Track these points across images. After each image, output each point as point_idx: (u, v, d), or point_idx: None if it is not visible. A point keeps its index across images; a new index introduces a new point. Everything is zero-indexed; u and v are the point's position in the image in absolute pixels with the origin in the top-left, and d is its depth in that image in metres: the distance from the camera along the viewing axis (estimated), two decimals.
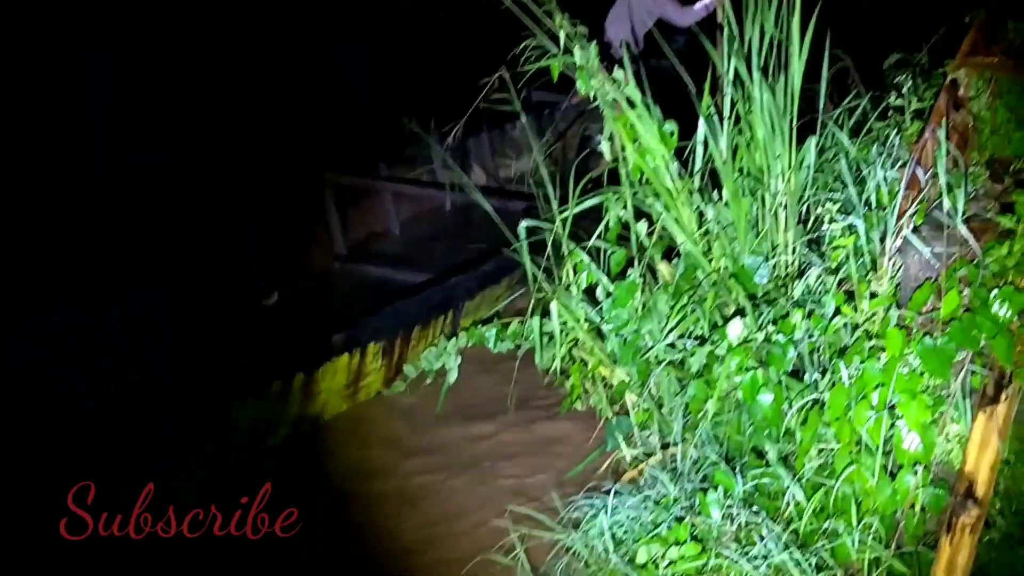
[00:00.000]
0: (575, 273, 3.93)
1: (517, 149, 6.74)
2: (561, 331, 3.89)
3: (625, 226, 3.87)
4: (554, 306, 3.83)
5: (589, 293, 3.92)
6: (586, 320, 3.91)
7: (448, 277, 4.89)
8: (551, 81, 3.94)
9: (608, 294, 3.80)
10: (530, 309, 3.96)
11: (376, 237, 6.11)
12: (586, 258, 3.85)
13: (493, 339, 4.09)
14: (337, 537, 3.72)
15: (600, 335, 3.93)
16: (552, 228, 3.88)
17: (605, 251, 3.88)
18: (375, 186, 6.13)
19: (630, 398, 3.86)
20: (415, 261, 5.61)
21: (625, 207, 3.83)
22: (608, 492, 3.46)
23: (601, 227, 3.90)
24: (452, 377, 4.11)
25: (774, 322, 3.34)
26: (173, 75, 6.61)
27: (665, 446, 3.67)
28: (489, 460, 4.16)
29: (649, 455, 3.69)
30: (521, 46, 3.90)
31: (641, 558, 3.17)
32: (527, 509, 3.60)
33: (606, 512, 3.37)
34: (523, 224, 3.94)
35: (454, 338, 4.17)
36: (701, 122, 3.65)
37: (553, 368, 3.99)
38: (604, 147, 3.82)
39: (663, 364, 3.57)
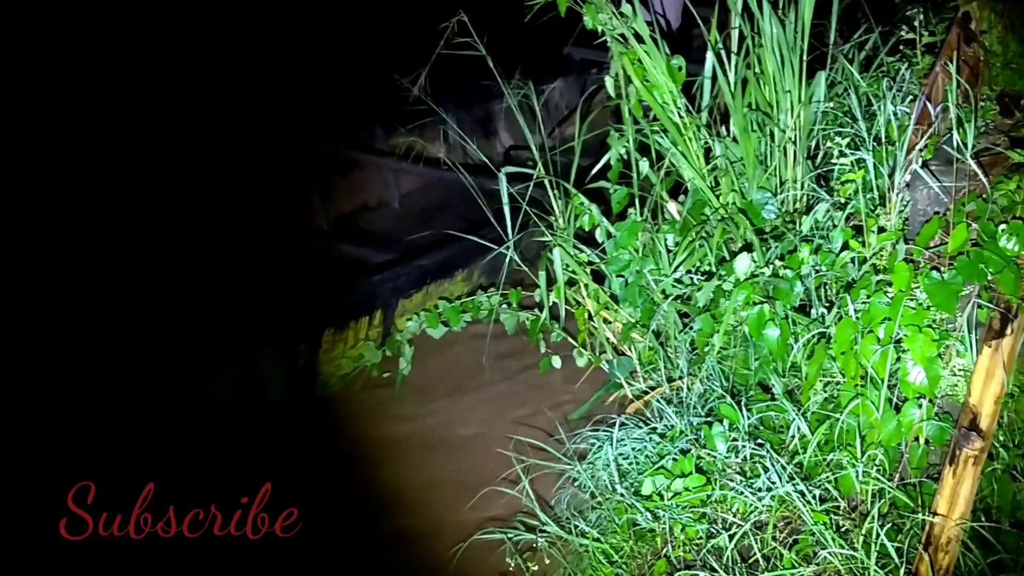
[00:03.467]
0: (575, 218, 3.93)
1: (559, 114, 6.23)
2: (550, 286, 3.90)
3: (626, 165, 3.87)
4: (557, 251, 3.83)
5: (583, 239, 3.94)
6: (588, 263, 3.93)
7: (375, 273, 4.45)
8: (594, 35, 3.74)
9: (609, 235, 3.80)
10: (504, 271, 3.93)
11: (369, 211, 5.78)
12: (585, 200, 3.85)
13: (447, 317, 4.11)
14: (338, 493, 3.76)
15: (598, 278, 3.96)
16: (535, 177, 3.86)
17: (606, 192, 3.87)
18: (361, 158, 5.77)
19: (634, 338, 3.88)
20: (402, 239, 5.14)
21: (627, 144, 3.82)
22: (613, 425, 3.49)
23: (600, 165, 3.90)
24: (404, 367, 4.08)
25: (781, 257, 3.34)
26: None
27: (670, 380, 3.69)
28: (488, 407, 4.15)
29: (654, 389, 3.71)
30: None
31: (646, 489, 3.20)
32: (533, 440, 3.63)
33: (611, 444, 3.40)
34: (503, 172, 3.89)
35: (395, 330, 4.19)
36: (709, 55, 3.62)
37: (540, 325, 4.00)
38: (608, 83, 3.80)
39: (669, 299, 3.59)
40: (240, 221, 5.12)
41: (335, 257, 5.20)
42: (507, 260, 3.91)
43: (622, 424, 3.48)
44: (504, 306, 4.14)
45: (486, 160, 4.13)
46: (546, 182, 3.96)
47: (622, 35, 3.64)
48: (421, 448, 3.91)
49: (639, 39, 3.62)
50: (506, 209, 3.92)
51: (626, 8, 3.65)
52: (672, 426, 3.42)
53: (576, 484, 3.44)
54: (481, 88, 4.88)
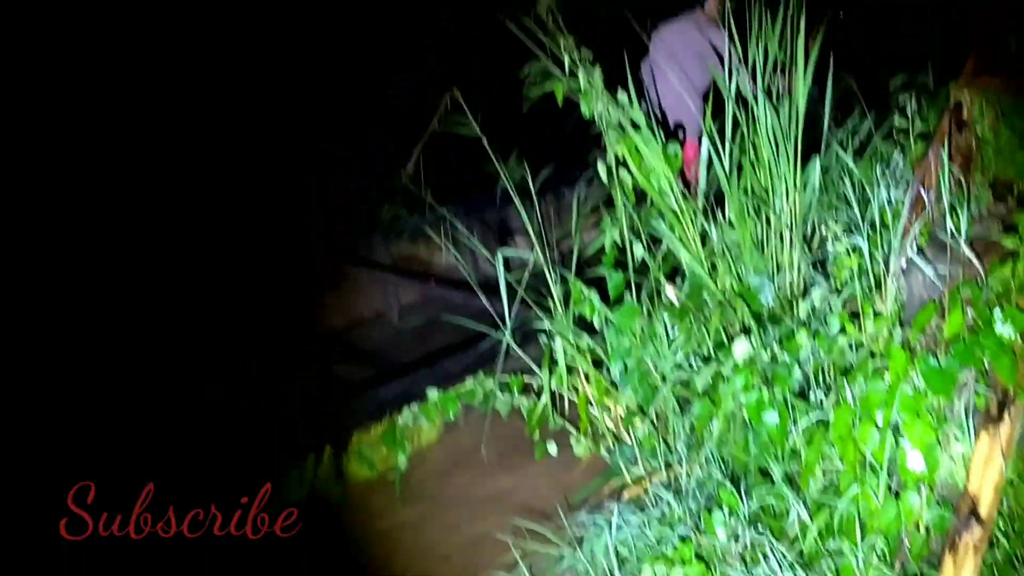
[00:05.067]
0: (570, 305, 3.93)
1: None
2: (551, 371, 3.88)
3: (621, 250, 3.90)
4: (559, 341, 3.83)
5: (581, 324, 3.94)
6: (588, 350, 3.93)
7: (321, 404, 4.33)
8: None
9: (608, 321, 3.81)
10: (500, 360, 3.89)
11: (363, 326, 5.69)
12: (584, 288, 3.86)
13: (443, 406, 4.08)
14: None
15: (597, 364, 3.96)
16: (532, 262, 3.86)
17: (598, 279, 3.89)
18: (355, 270, 5.70)
19: (634, 424, 3.88)
20: (394, 356, 5.12)
21: (622, 230, 3.86)
22: (611, 510, 3.46)
23: (593, 250, 3.93)
24: (403, 463, 4.03)
25: (779, 342, 3.35)
26: None
27: (669, 465, 3.67)
28: (487, 490, 4.10)
29: (652, 474, 3.69)
30: (525, 69, 3.94)
31: None
32: (530, 523, 3.60)
33: (610, 530, 3.37)
34: (500, 254, 3.89)
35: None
36: (705, 142, 3.67)
37: (538, 413, 3.97)
38: (600, 168, 3.84)
39: (669, 383, 3.59)
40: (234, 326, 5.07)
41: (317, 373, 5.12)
42: (503, 346, 3.90)
43: (620, 510, 3.45)
44: (500, 392, 4.12)
45: (500, 268, 3.98)
46: (545, 269, 3.98)
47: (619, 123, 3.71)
48: (416, 536, 3.87)
49: (635, 126, 3.68)
50: (503, 293, 3.94)
51: (622, 97, 3.73)
52: (671, 512, 3.39)
53: (574, 570, 3.40)
54: (493, 194, 4.68)
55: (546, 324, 3.92)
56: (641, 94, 3.77)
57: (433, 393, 4.15)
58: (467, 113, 3.70)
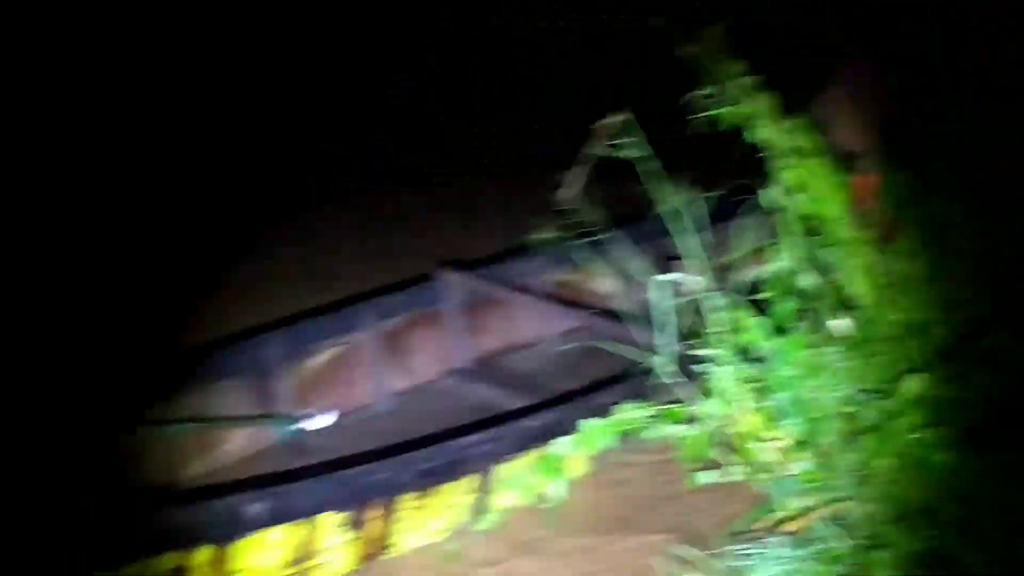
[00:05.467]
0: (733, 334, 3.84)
1: None
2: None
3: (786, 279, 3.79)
4: (719, 369, 3.74)
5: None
6: (750, 380, 3.84)
7: (467, 433, 4.03)
8: None
9: (772, 351, 3.71)
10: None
11: (516, 351, 5.57)
12: (750, 315, 3.77)
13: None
14: None
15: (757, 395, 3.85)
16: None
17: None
18: (507, 296, 5.50)
19: (796, 456, 3.77)
20: (546, 384, 4.94)
21: (791, 259, 3.76)
22: (769, 543, 3.37)
23: (755, 278, 3.83)
24: (557, 491, 3.62)
25: (955, 378, 3.22)
26: None
27: (831, 501, 3.55)
28: (640, 519, 4.06)
29: (813, 509, 3.58)
30: (688, 95, 3.89)
31: None
32: (684, 552, 3.56)
33: (765, 563, 3.29)
34: (654, 279, 3.78)
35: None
36: (882, 170, 3.58)
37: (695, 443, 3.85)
38: (769, 197, 3.76)
39: (835, 417, 3.48)
40: None
41: (469, 398, 5.07)
42: (659, 375, 3.80)
43: (778, 543, 3.36)
44: (656, 421, 4.02)
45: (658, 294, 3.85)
46: (707, 297, 3.91)
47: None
48: (569, 563, 3.85)
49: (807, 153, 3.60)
50: (661, 320, 3.88)
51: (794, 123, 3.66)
52: (831, 549, 3.28)
53: None
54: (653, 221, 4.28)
55: (707, 352, 3.84)
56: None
57: (588, 423, 4.09)
58: (633, 135, 3.65)
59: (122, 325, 5.30)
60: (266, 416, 4.75)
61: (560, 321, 5.47)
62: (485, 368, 5.41)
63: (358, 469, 3.70)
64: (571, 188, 3.75)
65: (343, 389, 5.01)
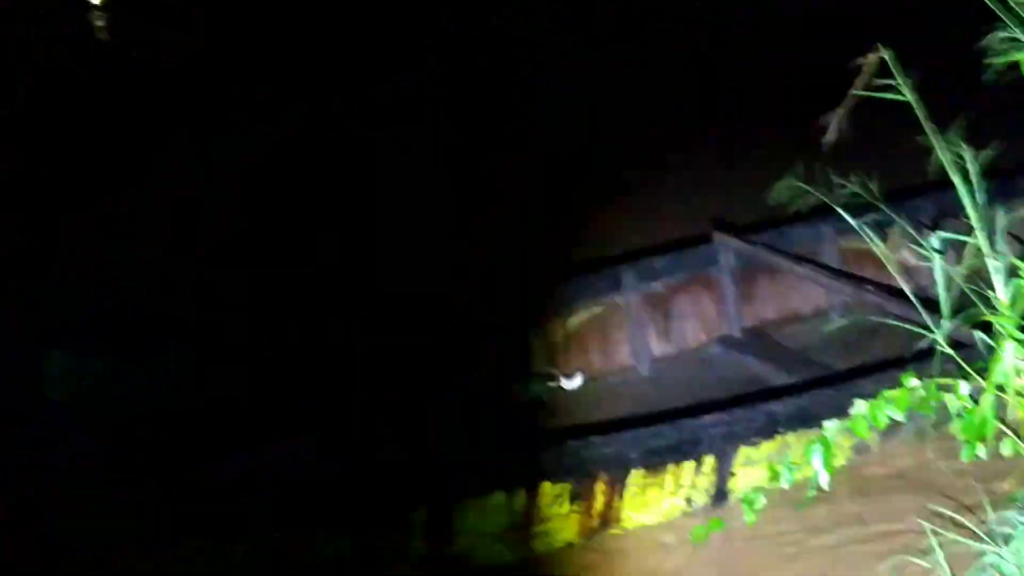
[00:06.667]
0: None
1: None
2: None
3: None
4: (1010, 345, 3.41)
5: None
6: None
7: (703, 413, 3.77)
8: None
9: None
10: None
11: (797, 323, 5.31)
12: None
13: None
14: None
15: None
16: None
17: None
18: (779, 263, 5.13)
19: None
20: (822, 361, 4.71)
21: None
22: None
23: None
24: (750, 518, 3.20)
25: None
26: None
27: None
28: (909, 488, 3.82)
29: None
30: (985, 38, 3.61)
31: None
32: (952, 513, 3.34)
33: None
34: (936, 236, 3.49)
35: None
36: None
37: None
38: None
39: None
40: None
41: (735, 369, 4.90)
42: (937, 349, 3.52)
43: None
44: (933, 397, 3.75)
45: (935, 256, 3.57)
46: (988, 261, 3.61)
47: None
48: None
49: None
50: (940, 284, 3.61)
51: None
52: None
53: (997, 568, 3.07)
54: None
55: (993, 320, 3.52)
56: None
57: (861, 405, 3.84)
58: (898, 76, 3.27)
59: None
60: (518, 374, 4.76)
61: (842, 294, 5.11)
62: (756, 339, 5.18)
63: (582, 441, 3.60)
64: (834, 132, 3.53)
65: (601, 351, 4.97)
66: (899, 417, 3.19)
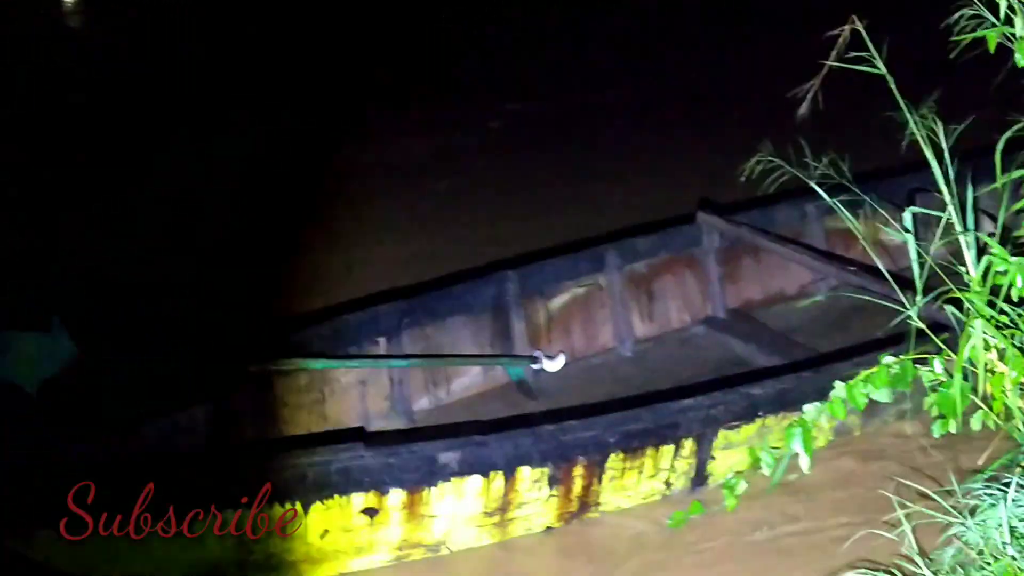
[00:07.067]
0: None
1: None
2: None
3: None
4: (978, 323, 3.40)
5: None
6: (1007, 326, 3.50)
7: (682, 396, 3.72)
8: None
9: None
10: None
11: (781, 302, 5.29)
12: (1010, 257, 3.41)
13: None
14: None
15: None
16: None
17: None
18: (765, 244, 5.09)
19: None
20: (808, 343, 4.70)
21: None
22: (1008, 484, 3.13)
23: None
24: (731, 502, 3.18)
25: None
26: None
27: None
28: (878, 463, 3.88)
29: None
30: (955, 16, 3.61)
31: None
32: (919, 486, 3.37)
33: (1006, 503, 3.04)
34: (907, 212, 3.48)
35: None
36: None
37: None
38: None
39: None
40: None
41: (718, 350, 4.88)
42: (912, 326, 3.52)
43: (1021, 485, 3.09)
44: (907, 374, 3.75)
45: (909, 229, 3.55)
46: (960, 239, 3.60)
47: None
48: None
49: None
50: (914, 262, 3.62)
51: None
52: None
53: (963, 540, 3.10)
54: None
55: (966, 296, 3.53)
56: None
57: (840, 388, 3.83)
58: (870, 47, 3.27)
59: None
60: (499, 355, 4.74)
61: (826, 275, 5.10)
62: (740, 320, 5.15)
63: (560, 425, 3.55)
64: (805, 109, 3.52)
65: (583, 332, 4.95)
66: (877, 396, 3.20)
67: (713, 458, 3.77)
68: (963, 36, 3.50)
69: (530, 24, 11.27)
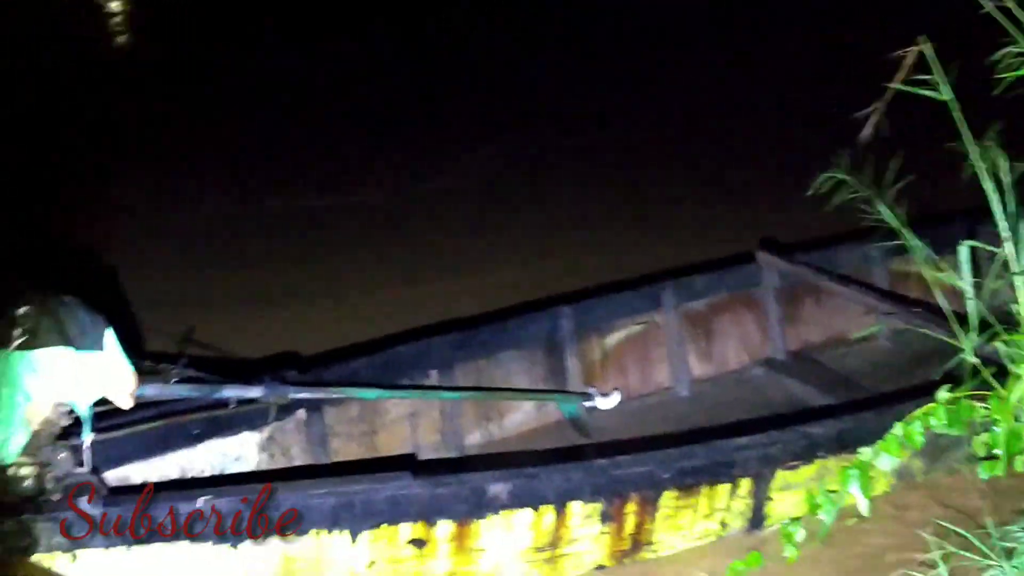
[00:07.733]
0: None
1: None
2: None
3: None
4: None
5: None
6: None
7: (739, 434, 3.64)
8: None
9: None
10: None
11: (846, 345, 5.18)
12: None
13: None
14: None
15: None
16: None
17: None
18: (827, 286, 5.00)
19: None
20: (872, 384, 4.63)
21: None
22: None
23: None
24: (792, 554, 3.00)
25: None
26: None
27: None
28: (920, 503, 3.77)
29: None
30: (1000, 52, 3.51)
31: None
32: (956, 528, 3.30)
33: None
34: (963, 245, 3.42)
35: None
36: None
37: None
38: None
39: None
40: None
41: (777, 392, 4.78)
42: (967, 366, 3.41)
43: None
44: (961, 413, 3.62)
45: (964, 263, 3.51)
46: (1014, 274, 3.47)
47: None
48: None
49: None
50: (968, 298, 3.50)
51: None
52: None
53: None
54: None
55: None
56: None
57: (897, 427, 3.74)
58: (937, 71, 3.21)
59: None
60: (552, 391, 4.71)
61: (890, 317, 4.89)
62: (800, 362, 5.07)
63: (612, 459, 3.47)
64: (868, 133, 3.42)
65: (639, 370, 4.92)
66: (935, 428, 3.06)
67: (770, 499, 3.67)
68: (1008, 74, 3.42)
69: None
